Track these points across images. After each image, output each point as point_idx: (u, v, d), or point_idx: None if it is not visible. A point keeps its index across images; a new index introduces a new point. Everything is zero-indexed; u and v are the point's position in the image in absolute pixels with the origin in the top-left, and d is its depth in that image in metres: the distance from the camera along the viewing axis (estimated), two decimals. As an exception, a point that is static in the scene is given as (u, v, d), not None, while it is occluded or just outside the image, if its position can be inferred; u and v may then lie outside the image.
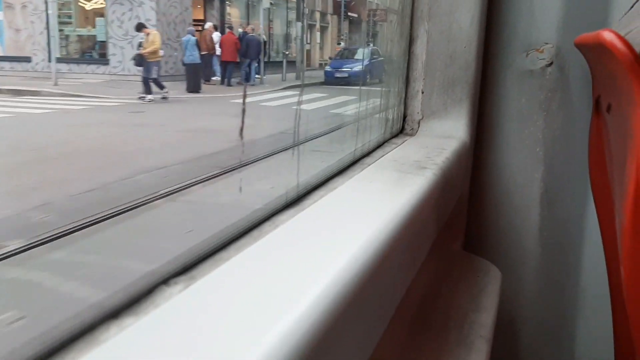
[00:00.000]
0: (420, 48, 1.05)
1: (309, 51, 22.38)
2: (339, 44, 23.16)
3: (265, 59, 17.11)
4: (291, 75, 17.02)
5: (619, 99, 0.67)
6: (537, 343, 1.21)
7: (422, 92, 1.06)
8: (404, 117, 1.08)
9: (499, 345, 0.89)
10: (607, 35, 0.54)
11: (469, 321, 0.86)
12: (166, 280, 0.39)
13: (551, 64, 1.10)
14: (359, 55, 15.39)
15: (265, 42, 17.13)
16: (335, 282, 0.42)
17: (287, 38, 21.83)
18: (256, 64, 15.42)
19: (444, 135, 1.03)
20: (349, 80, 13.75)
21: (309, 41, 22.17)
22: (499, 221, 1.16)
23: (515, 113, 1.12)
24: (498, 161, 1.14)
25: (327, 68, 15.92)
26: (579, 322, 1.24)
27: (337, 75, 14.67)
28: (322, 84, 14.13)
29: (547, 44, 1.10)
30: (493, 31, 1.09)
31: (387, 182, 0.73)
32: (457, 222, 1.12)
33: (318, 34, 23.86)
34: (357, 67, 14.03)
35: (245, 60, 14.98)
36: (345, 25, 26.05)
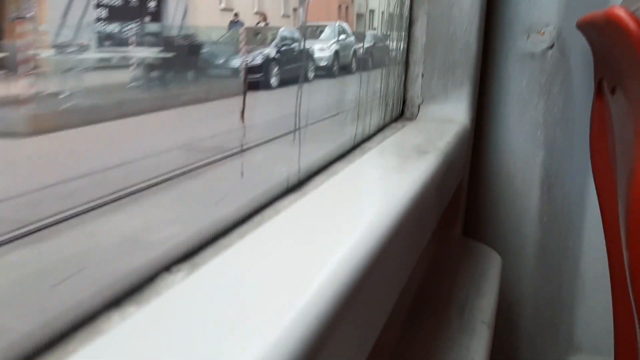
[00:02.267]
0: (420, 30, 1.03)
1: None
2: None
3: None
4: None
5: (626, 79, 0.65)
6: (536, 328, 1.21)
7: (422, 76, 1.04)
8: (404, 101, 1.07)
9: (498, 330, 0.89)
10: (618, 12, 0.53)
11: (469, 307, 0.85)
12: (168, 267, 0.38)
13: (552, 46, 1.08)
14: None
15: None
16: (340, 269, 0.41)
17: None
18: None
19: (445, 119, 1.02)
20: None
21: None
22: (498, 206, 1.16)
23: (515, 96, 1.11)
24: (498, 145, 1.13)
25: None
26: (578, 307, 1.24)
27: None
28: None
29: (548, 26, 1.08)
30: (494, 13, 1.07)
31: (388, 168, 0.72)
32: (456, 207, 1.11)
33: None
34: None
35: None
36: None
